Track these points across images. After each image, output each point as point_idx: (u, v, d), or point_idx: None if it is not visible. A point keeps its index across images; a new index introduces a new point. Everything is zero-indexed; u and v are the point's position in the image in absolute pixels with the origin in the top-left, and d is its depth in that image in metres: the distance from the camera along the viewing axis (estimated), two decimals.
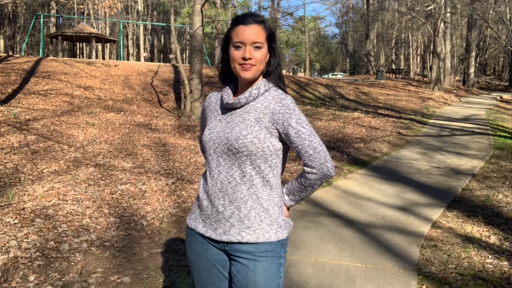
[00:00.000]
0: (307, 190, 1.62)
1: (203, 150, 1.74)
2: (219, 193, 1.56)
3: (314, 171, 1.56)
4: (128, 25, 38.97)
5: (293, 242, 3.87)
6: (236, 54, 1.52)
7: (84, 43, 35.00)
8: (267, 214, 1.56)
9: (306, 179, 1.59)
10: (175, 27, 22.13)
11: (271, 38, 1.56)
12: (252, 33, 1.51)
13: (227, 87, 1.64)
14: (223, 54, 1.62)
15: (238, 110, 1.59)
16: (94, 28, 30.69)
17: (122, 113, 10.21)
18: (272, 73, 1.61)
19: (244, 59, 1.51)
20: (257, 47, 1.52)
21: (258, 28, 1.52)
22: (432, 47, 25.00)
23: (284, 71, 41.10)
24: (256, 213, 1.55)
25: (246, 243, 1.54)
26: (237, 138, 1.52)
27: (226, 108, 1.62)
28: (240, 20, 1.53)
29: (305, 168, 1.58)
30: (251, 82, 1.59)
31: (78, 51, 34.93)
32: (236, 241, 1.55)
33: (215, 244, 1.61)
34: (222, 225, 1.56)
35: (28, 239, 3.68)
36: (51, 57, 17.35)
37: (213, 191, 1.58)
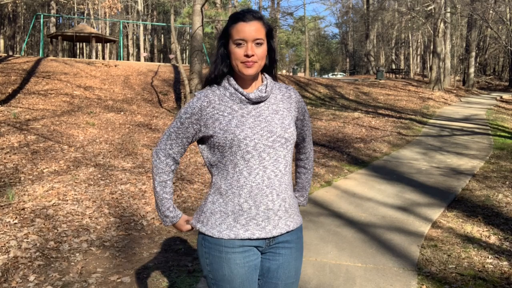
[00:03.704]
0: (311, 174, 1.84)
1: (219, 153, 1.55)
2: (266, 189, 1.52)
3: (311, 151, 1.82)
4: (128, 25, 38.97)
5: None
6: (238, 51, 1.49)
7: (84, 43, 35.00)
8: (294, 199, 1.66)
9: (310, 161, 1.83)
10: (175, 27, 22.13)
11: (270, 34, 1.56)
12: (253, 29, 1.48)
13: (234, 83, 1.55)
14: (218, 51, 1.56)
15: (261, 104, 1.56)
16: (94, 28, 30.69)
17: (122, 113, 10.21)
18: (271, 67, 1.62)
19: (247, 56, 1.48)
20: (258, 43, 1.50)
21: (258, 24, 1.50)
22: (432, 47, 25.00)
23: (284, 71, 41.09)
24: (292, 200, 1.62)
25: (291, 230, 1.61)
26: (285, 128, 1.55)
27: (246, 103, 1.54)
28: (239, 17, 1.50)
29: (307, 153, 1.82)
30: (254, 77, 1.57)
31: (78, 51, 34.93)
32: (285, 231, 1.58)
33: (259, 244, 1.55)
34: (272, 221, 1.54)
35: (28, 239, 3.68)
36: (51, 57, 17.35)
37: (258, 190, 1.51)
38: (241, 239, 1.51)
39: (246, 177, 1.51)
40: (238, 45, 1.49)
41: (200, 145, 1.61)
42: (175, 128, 1.57)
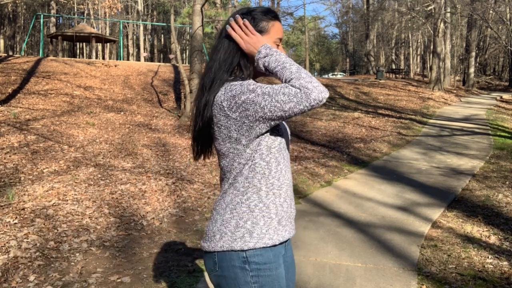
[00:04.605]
0: None
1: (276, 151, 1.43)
2: (291, 185, 1.50)
3: None
4: (128, 25, 38.98)
5: (293, 242, 3.87)
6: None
7: (84, 43, 35.00)
8: None
9: None
10: (175, 27, 22.13)
11: None
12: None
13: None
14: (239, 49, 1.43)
15: None
16: (94, 28, 30.69)
17: (122, 113, 10.20)
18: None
19: None
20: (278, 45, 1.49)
21: None
22: (432, 47, 25.00)
23: None
24: None
25: None
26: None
27: None
28: (275, 16, 1.46)
29: None
30: None
31: (78, 51, 34.93)
32: None
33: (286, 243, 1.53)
34: (294, 216, 1.53)
35: (28, 239, 3.68)
36: (51, 57, 17.35)
37: (290, 187, 1.48)
38: (283, 242, 1.43)
39: (284, 175, 1.44)
40: (277, 45, 1.46)
41: (243, 140, 1.36)
42: (261, 85, 1.33)
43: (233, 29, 1.43)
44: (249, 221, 1.37)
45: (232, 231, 1.37)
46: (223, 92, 1.36)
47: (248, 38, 1.41)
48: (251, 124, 1.33)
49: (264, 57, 1.38)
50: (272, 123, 1.33)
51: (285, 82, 1.32)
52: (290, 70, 1.33)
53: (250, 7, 1.51)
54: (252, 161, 1.38)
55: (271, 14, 1.46)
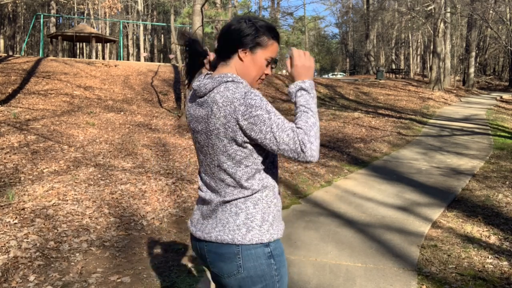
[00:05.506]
0: None
1: None
2: None
3: None
4: (128, 25, 38.98)
5: (293, 242, 3.87)
6: (264, 67, 1.50)
7: (84, 43, 34.99)
8: None
9: None
10: (175, 27, 22.12)
11: None
12: None
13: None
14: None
15: None
16: (94, 28, 30.68)
17: (122, 113, 10.20)
18: None
19: (266, 75, 1.53)
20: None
21: None
22: (432, 47, 24.99)
23: (284, 71, 41.05)
24: None
25: None
26: None
27: None
28: (277, 36, 1.50)
29: None
30: None
31: (78, 51, 34.91)
32: None
33: None
34: None
35: (28, 239, 3.68)
36: (51, 57, 17.35)
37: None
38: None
39: (276, 169, 1.54)
40: (268, 62, 1.50)
41: (248, 146, 1.41)
42: (275, 112, 1.39)
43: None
44: (271, 215, 1.46)
45: (259, 225, 1.43)
46: (240, 95, 1.37)
47: (306, 61, 1.48)
48: (251, 137, 1.38)
49: (303, 89, 1.45)
50: (261, 146, 1.41)
51: (294, 121, 1.41)
52: (307, 119, 1.40)
53: (256, 16, 1.54)
54: (268, 161, 1.47)
55: (274, 33, 1.50)
